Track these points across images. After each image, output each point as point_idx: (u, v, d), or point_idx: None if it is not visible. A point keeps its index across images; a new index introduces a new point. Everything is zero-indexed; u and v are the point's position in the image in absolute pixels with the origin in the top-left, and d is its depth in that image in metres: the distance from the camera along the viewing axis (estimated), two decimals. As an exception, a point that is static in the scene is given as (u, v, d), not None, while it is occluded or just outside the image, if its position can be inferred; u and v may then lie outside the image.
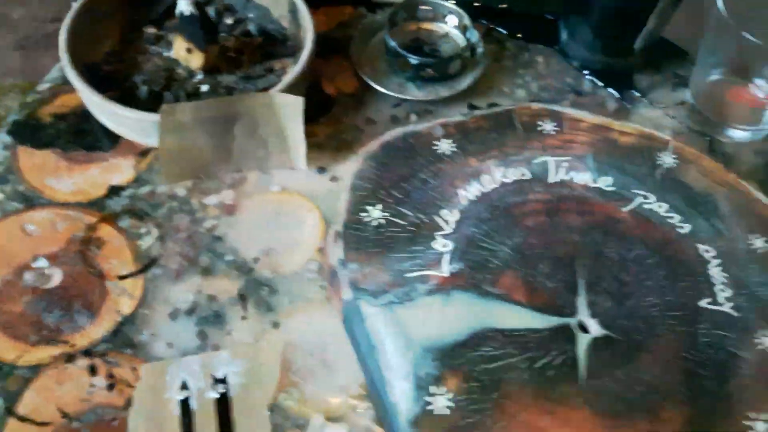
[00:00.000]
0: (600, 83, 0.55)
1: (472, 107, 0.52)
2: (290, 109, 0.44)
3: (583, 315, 0.38)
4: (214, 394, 0.37)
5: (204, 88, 0.50)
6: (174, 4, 0.48)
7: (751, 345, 0.37)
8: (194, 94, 0.49)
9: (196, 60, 0.50)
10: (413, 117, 0.52)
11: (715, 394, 0.35)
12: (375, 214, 0.41)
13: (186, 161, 0.46)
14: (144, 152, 0.48)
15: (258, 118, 0.45)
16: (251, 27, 0.54)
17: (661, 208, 0.43)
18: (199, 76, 0.51)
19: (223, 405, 0.37)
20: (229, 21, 0.54)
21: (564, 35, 0.56)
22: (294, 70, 0.46)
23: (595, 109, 0.53)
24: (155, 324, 0.40)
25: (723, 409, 0.35)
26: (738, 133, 0.51)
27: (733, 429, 0.34)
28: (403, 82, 0.54)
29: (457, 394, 0.34)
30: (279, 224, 0.44)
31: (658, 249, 0.41)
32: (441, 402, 0.34)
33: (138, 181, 0.47)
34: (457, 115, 0.47)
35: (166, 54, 0.52)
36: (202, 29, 0.48)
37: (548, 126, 0.47)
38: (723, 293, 0.39)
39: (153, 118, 0.43)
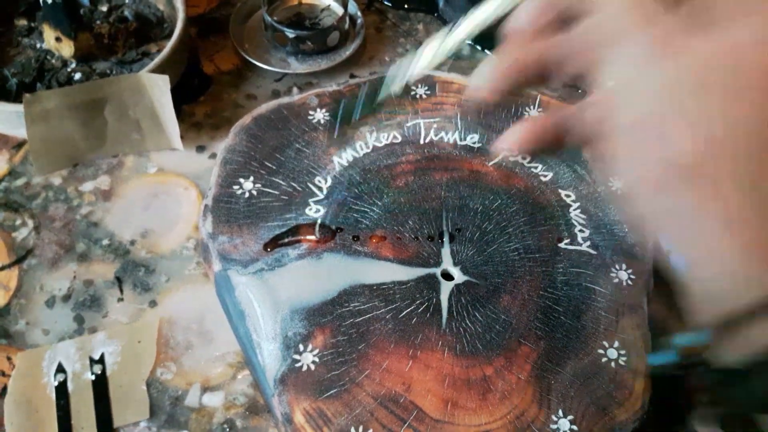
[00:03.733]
0: (478, 47, 0.56)
1: (354, 78, 0.53)
2: (158, 88, 0.44)
3: (447, 264, 0.39)
4: (91, 375, 0.37)
5: (77, 76, 0.49)
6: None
7: (606, 279, 0.39)
8: (67, 83, 0.49)
9: (67, 48, 0.50)
10: (295, 90, 0.52)
11: (571, 327, 0.37)
12: (247, 186, 0.42)
13: (58, 150, 0.45)
14: (18, 145, 0.47)
15: (126, 99, 0.45)
16: (127, 12, 0.53)
17: (525, 159, 0.44)
18: (73, 65, 0.50)
19: (101, 384, 0.37)
20: (103, 8, 0.54)
21: (441, 2, 0.57)
22: (164, 51, 0.46)
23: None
24: (31, 312, 0.40)
25: (578, 341, 0.37)
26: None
27: (587, 358, 0.36)
28: (284, 57, 0.54)
29: (323, 350, 0.35)
30: (156, 205, 0.45)
31: (520, 197, 0.42)
32: (308, 359, 0.35)
33: (12, 174, 0.46)
34: (334, 85, 0.48)
35: (39, 45, 0.51)
36: (67, 16, 0.48)
37: (420, 90, 0.48)
38: (582, 234, 0.41)
39: (17, 108, 0.43)
